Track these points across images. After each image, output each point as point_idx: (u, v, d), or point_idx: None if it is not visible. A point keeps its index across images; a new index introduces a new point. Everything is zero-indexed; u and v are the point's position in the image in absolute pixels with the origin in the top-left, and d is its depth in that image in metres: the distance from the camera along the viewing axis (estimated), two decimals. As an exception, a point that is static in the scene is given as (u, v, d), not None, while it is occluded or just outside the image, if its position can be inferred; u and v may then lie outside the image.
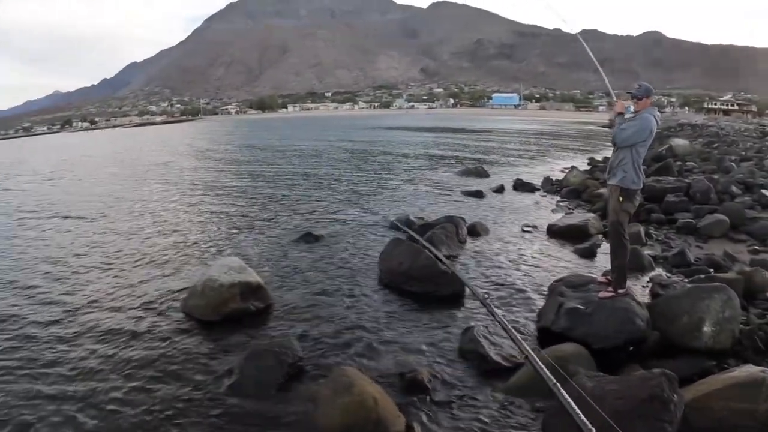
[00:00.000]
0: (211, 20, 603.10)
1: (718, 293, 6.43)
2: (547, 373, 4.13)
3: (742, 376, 4.94)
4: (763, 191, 15.15)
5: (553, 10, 10.56)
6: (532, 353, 4.46)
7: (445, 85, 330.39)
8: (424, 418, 5.46)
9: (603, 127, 69.54)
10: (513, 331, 4.95)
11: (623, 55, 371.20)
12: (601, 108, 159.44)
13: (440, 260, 7.90)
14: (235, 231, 14.30)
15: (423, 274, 9.08)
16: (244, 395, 5.95)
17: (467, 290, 8.80)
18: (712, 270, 9.56)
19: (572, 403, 3.81)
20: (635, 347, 6.27)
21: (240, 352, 6.90)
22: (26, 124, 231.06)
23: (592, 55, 8.75)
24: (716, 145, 32.86)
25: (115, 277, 10.59)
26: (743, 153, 26.70)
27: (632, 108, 7.06)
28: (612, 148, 7.36)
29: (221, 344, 7.39)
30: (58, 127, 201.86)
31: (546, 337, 6.91)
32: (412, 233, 9.53)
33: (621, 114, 7.10)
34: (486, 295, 5.43)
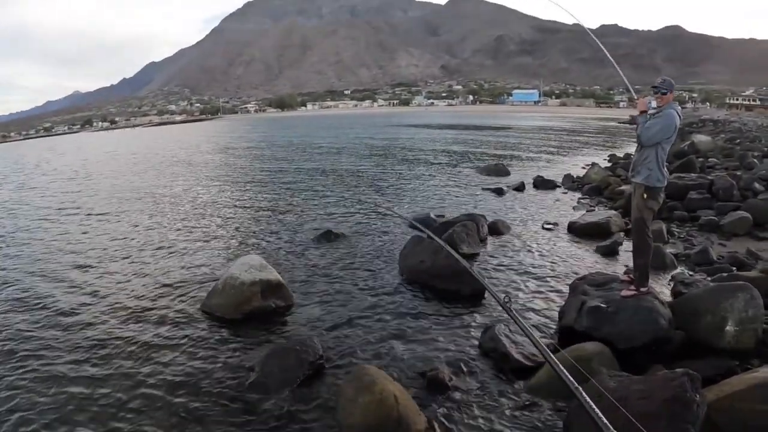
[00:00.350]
0: (228, 20, 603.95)
1: (741, 292, 6.34)
2: (569, 376, 4.09)
3: (765, 377, 4.89)
4: (788, 188, 14.97)
5: (561, 6, 10.50)
6: (553, 356, 4.41)
7: (465, 83, 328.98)
8: (445, 417, 5.47)
9: (623, 123, 69.07)
10: (530, 330, 4.91)
11: (644, 50, 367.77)
12: (621, 104, 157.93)
13: (458, 259, 7.88)
14: (255, 229, 14.42)
15: (445, 272, 9.08)
16: (266, 393, 5.98)
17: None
18: (735, 268, 9.50)
19: (594, 406, 3.77)
20: (658, 347, 6.21)
21: (261, 350, 6.97)
22: (47, 125, 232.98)
23: (604, 49, 8.69)
24: (738, 141, 32.46)
25: (135, 275, 10.71)
26: (766, 149, 26.37)
27: (654, 103, 6.96)
28: (636, 146, 7.29)
29: (242, 342, 7.45)
30: (79, 127, 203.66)
31: (568, 335, 6.86)
32: (429, 233, 9.53)
33: (644, 112, 6.99)
34: (507, 299, 5.39)
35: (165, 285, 9.97)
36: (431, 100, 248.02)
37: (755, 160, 20.77)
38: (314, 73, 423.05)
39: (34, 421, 5.63)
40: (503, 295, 5.79)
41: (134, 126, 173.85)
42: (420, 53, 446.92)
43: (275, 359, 6.46)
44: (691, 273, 9.54)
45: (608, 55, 8.56)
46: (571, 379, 4.06)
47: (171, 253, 12.28)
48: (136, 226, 15.39)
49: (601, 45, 8.77)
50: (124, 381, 6.37)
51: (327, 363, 6.62)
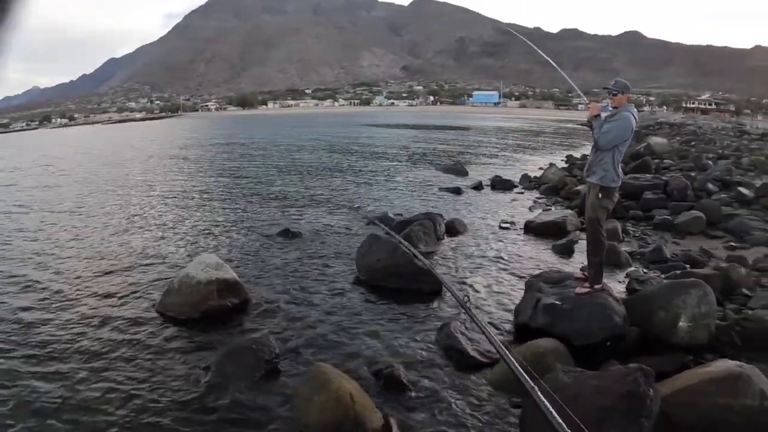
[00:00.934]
0: (192, 16, 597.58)
1: (694, 289, 6.48)
2: (524, 374, 4.09)
3: (718, 371, 4.98)
4: (740, 189, 15.33)
5: (516, 33, 10.73)
6: (508, 353, 4.42)
7: (426, 83, 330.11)
8: (402, 414, 5.45)
9: (581, 125, 70.14)
10: (486, 328, 4.92)
11: (605, 54, 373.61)
12: (580, 107, 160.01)
13: (417, 256, 7.91)
14: (212, 227, 14.26)
15: (401, 270, 9.08)
16: (222, 392, 5.90)
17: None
18: (688, 266, 9.64)
19: (548, 404, 3.79)
20: (612, 343, 6.29)
21: (218, 350, 6.87)
22: (4, 121, 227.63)
23: (550, 60, 8.88)
24: (694, 143, 33.27)
25: (91, 274, 10.47)
26: (720, 151, 27.03)
27: (609, 105, 7.06)
28: (592, 147, 7.40)
29: (199, 341, 7.35)
30: (37, 123, 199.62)
31: (523, 332, 6.93)
32: (388, 230, 9.54)
33: (597, 116, 7.07)
34: (466, 298, 5.41)
35: (120, 284, 9.78)
36: (392, 101, 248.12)
37: (709, 161, 21.27)
38: (277, 72, 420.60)
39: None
40: (462, 294, 5.82)
41: (93, 123, 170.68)
42: (383, 53, 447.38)
43: (232, 358, 6.39)
44: (645, 271, 9.72)
45: (546, 57, 8.83)
46: (527, 377, 4.06)
47: (127, 251, 12.06)
48: (92, 224, 15.08)
49: (532, 45, 8.94)
50: (78, 381, 6.22)
51: (284, 362, 6.57)
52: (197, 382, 6.17)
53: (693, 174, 17.57)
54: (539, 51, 9.07)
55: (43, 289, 9.65)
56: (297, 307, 8.46)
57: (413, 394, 5.82)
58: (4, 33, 1.80)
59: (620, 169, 6.97)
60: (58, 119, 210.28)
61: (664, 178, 16.62)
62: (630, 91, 7.05)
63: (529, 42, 9.44)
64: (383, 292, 9.01)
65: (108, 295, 9.21)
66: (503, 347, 4.65)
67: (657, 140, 30.37)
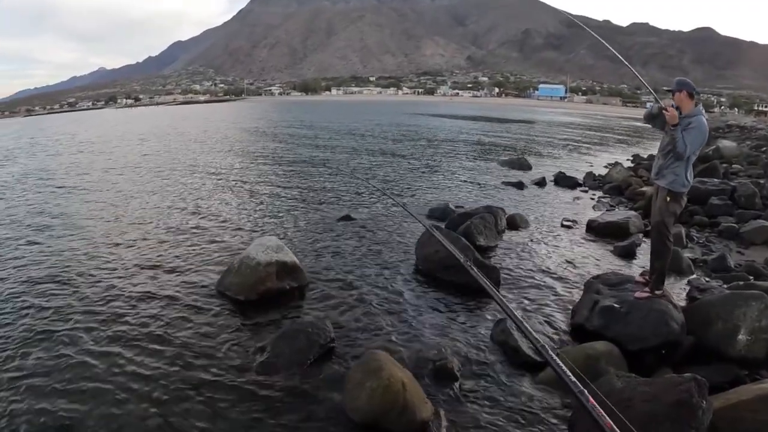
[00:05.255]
0: (255, 1, 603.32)
1: (755, 301, 6.28)
2: (572, 377, 4.04)
3: (774, 389, 4.87)
4: (811, 200, 14.81)
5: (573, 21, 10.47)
6: (556, 358, 4.39)
7: (491, 74, 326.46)
8: (452, 407, 5.50)
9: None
10: (533, 332, 4.90)
11: (673, 50, 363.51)
12: (648, 104, 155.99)
13: (455, 254, 7.91)
14: (274, 211, 14.46)
15: (459, 263, 9.06)
16: (275, 374, 6.03)
17: (502, 282, 8.90)
18: (752, 277, 9.37)
19: (597, 407, 3.77)
20: (668, 350, 6.20)
21: (273, 331, 7.01)
22: (71, 100, 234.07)
23: (620, 56, 8.66)
24: (765, 149, 32.11)
25: (153, 251, 10.78)
26: (793, 159, 26.08)
27: (673, 105, 6.87)
28: (658, 147, 7.26)
29: (255, 322, 7.49)
30: (103, 103, 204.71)
31: (579, 333, 6.89)
32: (428, 227, 9.54)
33: (676, 125, 6.82)
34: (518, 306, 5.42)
35: (182, 263, 10.02)
36: (456, 91, 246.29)
37: (781, 169, 20.55)
38: (338, 59, 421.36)
39: (51, 394, 5.70)
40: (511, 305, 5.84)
41: (158, 104, 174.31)
42: (446, 42, 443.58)
43: (286, 340, 6.51)
44: (707, 279, 9.46)
45: (617, 54, 8.54)
46: (576, 382, 4.04)
47: (189, 231, 12.34)
48: (155, 205, 15.46)
49: (616, 53, 8.71)
50: (133, 356, 6.44)
51: (337, 346, 6.67)
52: (251, 363, 6.31)
53: (762, 181, 17.00)
54: (608, 46, 8.87)
55: (107, 260, 10.05)
56: (354, 293, 8.56)
57: (465, 387, 5.86)
58: None
59: (690, 174, 6.85)
60: (124, 99, 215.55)
61: (731, 183, 16.09)
62: (692, 89, 6.82)
63: (597, 36, 9.23)
64: (441, 284, 9.00)
65: (168, 272, 9.48)
66: (549, 350, 4.62)
67: (726, 144, 29.43)
